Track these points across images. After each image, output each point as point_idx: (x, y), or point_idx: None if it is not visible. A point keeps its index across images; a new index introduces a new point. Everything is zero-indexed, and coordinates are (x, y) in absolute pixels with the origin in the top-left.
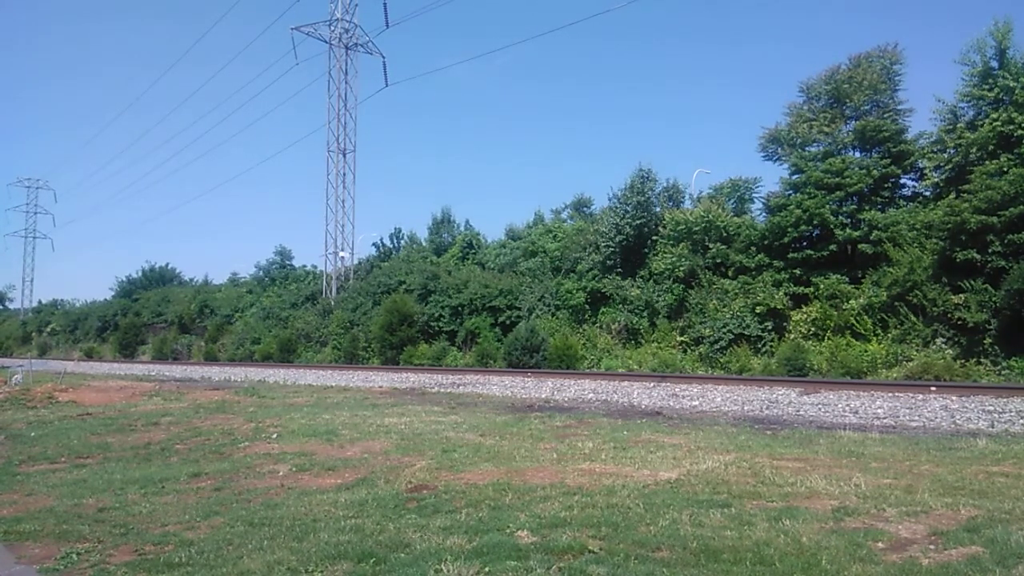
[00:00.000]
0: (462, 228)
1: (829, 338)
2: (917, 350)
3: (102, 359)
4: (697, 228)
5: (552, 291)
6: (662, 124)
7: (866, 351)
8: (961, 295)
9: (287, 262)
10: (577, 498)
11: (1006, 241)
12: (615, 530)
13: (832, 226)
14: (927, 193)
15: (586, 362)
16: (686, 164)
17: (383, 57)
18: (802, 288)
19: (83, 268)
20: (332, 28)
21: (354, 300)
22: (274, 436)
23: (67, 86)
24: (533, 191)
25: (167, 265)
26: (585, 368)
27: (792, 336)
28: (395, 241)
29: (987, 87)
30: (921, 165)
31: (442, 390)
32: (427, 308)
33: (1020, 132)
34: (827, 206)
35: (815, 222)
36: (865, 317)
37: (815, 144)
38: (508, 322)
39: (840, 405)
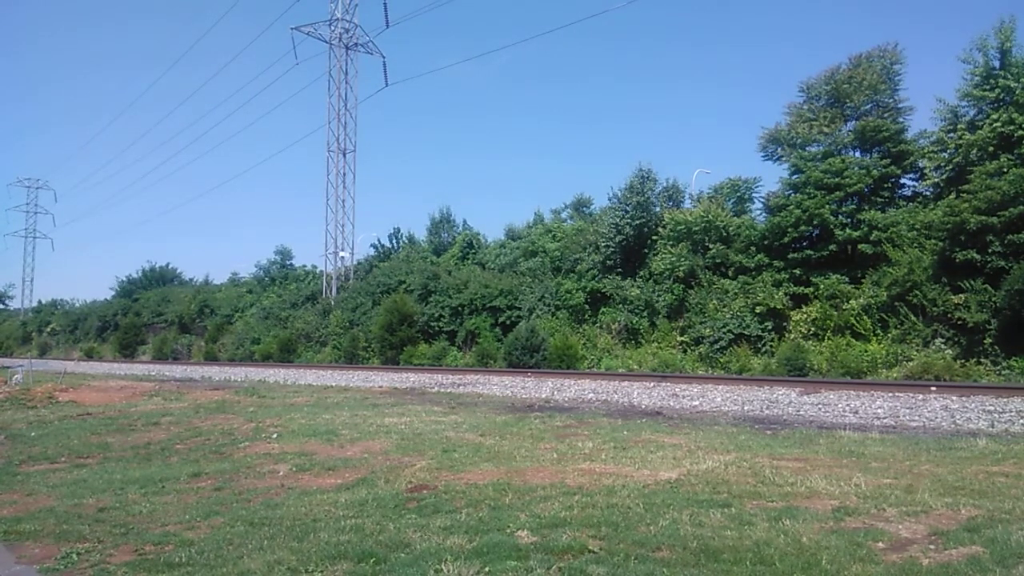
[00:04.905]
0: (461, 228)
1: (829, 338)
2: (917, 350)
3: (102, 359)
4: (697, 228)
5: (552, 291)
6: (662, 124)
7: (866, 351)
8: (961, 295)
9: (287, 262)
10: (577, 498)
11: (1006, 241)
12: (615, 530)
13: (832, 226)
14: (927, 193)
15: (586, 362)
16: (686, 164)
17: (383, 57)
18: (802, 288)
19: (83, 268)
20: (332, 28)
21: (354, 300)
22: (274, 436)
23: (67, 86)
24: (533, 191)
25: (167, 265)
26: (585, 368)
27: (792, 336)
28: (394, 241)
29: (988, 87)
30: (921, 165)
31: (442, 390)
32: (427, 308)
33: (1020, 133)
34: (827, 206)
35: (815, 222)
36: (865, 317)
37: (815, 144)
38: (508, 322)
39: (840, 405)
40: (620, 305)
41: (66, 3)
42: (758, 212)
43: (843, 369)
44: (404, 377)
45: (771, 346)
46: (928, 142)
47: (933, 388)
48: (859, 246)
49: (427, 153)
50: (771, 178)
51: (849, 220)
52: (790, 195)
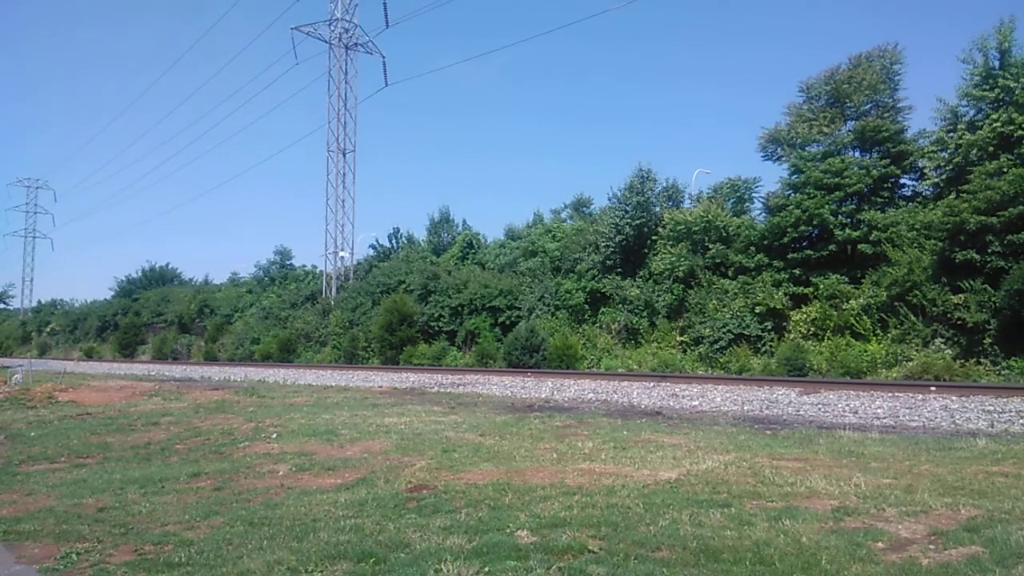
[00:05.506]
0: (461, 228)
1: (829, 338)
2: (917, 350)
3: (102, 359)
4: (697, 228)
5: (552, 291)
6: (662, 124)
7: (866, 351)
8: (961, 295)
9: (287, 262)
10: (577, 498)
11: (1005, 241)
12: (615, 530)
13: (832, 226)
14: (927, 193)
15: (586, 362)
16: (686, 164)
17: (383, 57)
18: (802, 288)
19: (83, 268)
20: (332, 28)
21: (354, 300)
22: (274, 436)
23: (67, 86)
24: (533, 191)
25: (167, 265)
26: (585, 368)
27: (792, 336)
28: (393, 241)
29: (988, 87)
30: (921, 165)
31: (442, 390)
32: (427, 308)
33: (1020, 133)
34: (827, 206)
35: (815, 222)
36: (865, 317)
37: (815, 144)
38: (508, 322)
39: (840, 405)
40: (620, 305)
41: (66, 3)
42: (758, 212)
43: (843, 369)
44: (404, 377)
45: (771, 346)
46: (928, 142)
47: (933, 388)
48: (859, 246)
49: (427, 153)
50: (771, 178)
51: (849, 220)
52: (790, 195)
